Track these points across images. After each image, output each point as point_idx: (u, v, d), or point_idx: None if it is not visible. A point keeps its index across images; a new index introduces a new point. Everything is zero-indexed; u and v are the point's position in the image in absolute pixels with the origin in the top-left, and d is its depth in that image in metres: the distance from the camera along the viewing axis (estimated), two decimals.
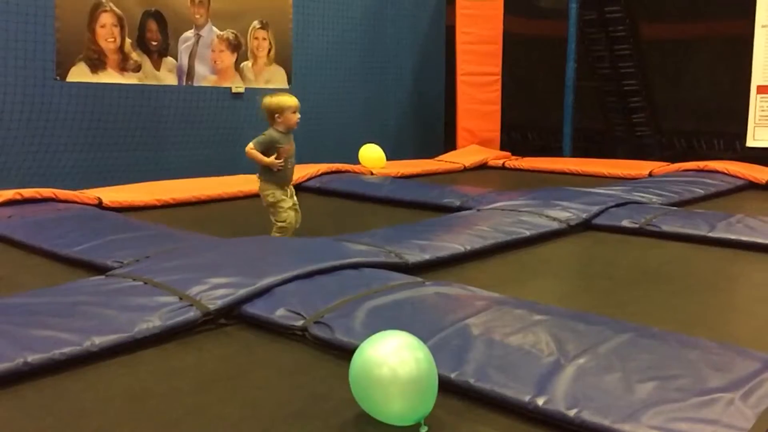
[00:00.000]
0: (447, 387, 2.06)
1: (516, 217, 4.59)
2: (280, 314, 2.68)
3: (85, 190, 5.66)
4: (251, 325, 2.73)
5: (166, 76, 7.07)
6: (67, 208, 5.06)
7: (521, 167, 8.66)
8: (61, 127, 6.31)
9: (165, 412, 2.02)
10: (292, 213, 4.38)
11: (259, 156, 4.22)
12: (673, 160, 8.15)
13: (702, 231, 4.39)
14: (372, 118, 9.06)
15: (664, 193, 5.93)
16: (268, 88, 7.25)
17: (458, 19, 9.36)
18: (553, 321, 2.53)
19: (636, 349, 2.28)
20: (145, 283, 2.94)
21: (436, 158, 9.03)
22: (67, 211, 4.89)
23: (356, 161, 7.73)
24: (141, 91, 6.86)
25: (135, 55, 6.81)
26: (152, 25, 6.92)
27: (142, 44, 6.85)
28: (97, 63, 6.53)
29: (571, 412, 1.89)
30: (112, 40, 6.63)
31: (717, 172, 7.11)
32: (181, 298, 2.76)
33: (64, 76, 6.33)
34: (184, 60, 7.19)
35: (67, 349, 2.31)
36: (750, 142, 7.95)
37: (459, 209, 5.34)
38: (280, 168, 4.26)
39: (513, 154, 9.40)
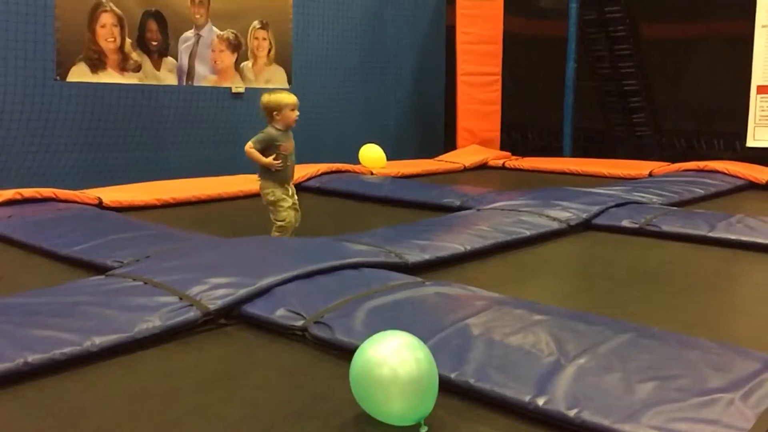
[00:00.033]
0: (447, 387, 2.06)
1: (516, 217, 4.59)
2: (280, 314, 2.68)
3: (85, 190, 5.66)
4: (251, 325, 2.73)
5: (166, 76, 7.07)
6: (67, 207, 5.06)
7: (521, 167, 8.66)
8: (61, 127, 6.31)
9: (165, 412, 2.02)
10: (291, 212, 4.38)
11: (258, 156, 4.22)
12: (673, 160, 8.16)
13: (702, 231, 4.39)
14: (372, 118, 9.06)
15: (664, 193, 5.93)
16: (268, 88, 7.23)
17: (458, 19, 9.36)
18: (553, 321, 2.53)
19: (636, 349, 2.28)
20: (145, 283, 2.94)
21: (436, 158, 9.03)
22: (67, 211, 4.89)
23: (356, 161, 7.74)
24: (141, 91, 6.86)
25: (135, 55, 6.81)
26: (152, 25, 6.92)
27: (142, 44, 6.86)
28: (97, 63, 6.54)
29: (572, 412, 1.89)
30: (112, 40, 6.63)
31: (717, 172, 7.11)
32: (181, 298, 2.76)
33: (64, 76, 6.33)
34: (184, 60, 7.19)
35: (67, 349, 2.31)
36: (750, 142, 7.96)
37: (459, 209, 5.34)
38: (279, 168, 4.26)
39: (513, 154, 9.40)
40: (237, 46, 7.58)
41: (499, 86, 9.60)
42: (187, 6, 7.15)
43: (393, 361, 1.84)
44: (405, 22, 9.47)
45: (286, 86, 4.35)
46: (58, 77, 6.29)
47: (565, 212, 4.76)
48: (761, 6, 7.74)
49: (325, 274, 3.10)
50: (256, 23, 7.70)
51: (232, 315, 2.78)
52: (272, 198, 4.34)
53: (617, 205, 5.09)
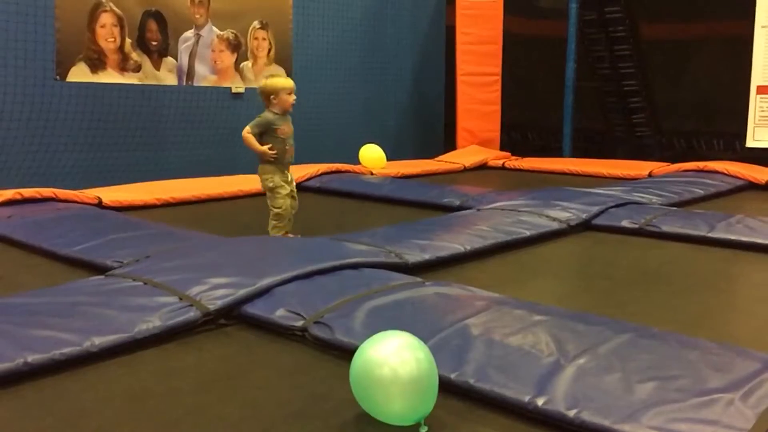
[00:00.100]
0: (447, 387, 2.06)
1: (516, 217, 4.59)
2: (280, 314, 2.68)
3: (84, 190, 5.66)
4: (251, 325, 2.73)
5: (166, 76, 7.07)
6: (67, 207, 5.06)
7: (521, 167, 8.66)
8: (61, 127, 6.31)
9: (165, 412, 2.02)
10: (288, 200, 4.41)
11: (254, 143, 4.27)
12: (673, 161, 8.16)
13: (702, 231, 4.40)
14: (372, 118, 9.07)
15: (663, 193, 5.93)
16: None
17: (458, 19, 9.36)
18: (553, 321, 2.53)
19: (636, 349, 2.28)
20: (145, 283, 2.94)
21: (436, 158, 9.03)
22: (66, 211, 4.89)
23: (356, 161, 7.74)
24: (141, 91, 6.86)
25: (135, 55, 6.81)
26: (152, 25, 6.92)
27: (142, 44, 6.86)
28: (97, 63, 6.54)
29: (571, 413, 1.89)
30: (112, 40, 6.63)
31: (717, 172, 7.11)
32: (181, 299, 2.76)
33: (64, 76, 6.33)
34: (184, 60, 7.19)
35: (67, 350, 2.31)
36: (750, 143, 7.96)
37: (459, 209, 5.35)
38: (274, 157, 4.29)
39: (513, 155, 9.41)
40: (237, 46, 7.58)
41: (498, 86, 9.60)
42: (187, 6, 7.15)
43: (393, 361, 1.84)
44: (405, 22, 9.47)
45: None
46: (58, 77, 6.29)
47: (565, 212, 4.76)
48: (761, 6, 7.74)
49: (325, 275, 3.10)
50: (256, 23, 7.70)
51: (232, 315, 2.78)
52: (270, 184, 4.36)
53: (617, 206, 5.09)
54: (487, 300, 2.79)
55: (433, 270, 3.58)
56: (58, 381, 2.21)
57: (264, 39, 7.79)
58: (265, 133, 4.30)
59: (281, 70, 7.96)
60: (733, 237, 4.28)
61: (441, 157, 9.07)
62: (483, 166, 8.86)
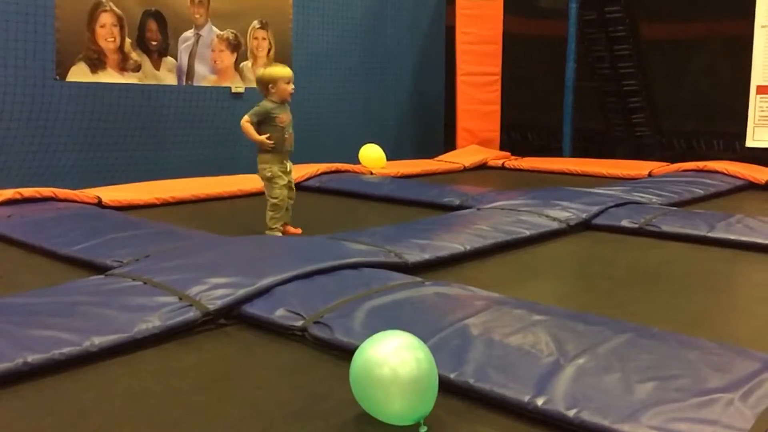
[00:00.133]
0: (447, 387, 2.06)
1: (516, 216, 4.59)
2: (279, 314, 2.68)
3: (84, 190, 5.66)
4: (251, 325, 2.73)
5: (166, 76, 7.07)
6: (67, 207, 5.06)
7: (521, 167, 8.66)
8: (60, 126, 6.31)
9: (165, 412, 2.02)
10: (285, 191, 4.42)
11: (252, 132, 4.30)
12: (673, 161, 8.16)
13: (701, 231, 4.40)
14: (372, 118, 9.07)
15: (663, 193, 5.93)
16: None
17: (458, 19, 9.36)
18: (552, 321, 2.53)
19: (635, 349, 2.28)
20: (145, 283, 2.94)
21: (436, 158, 9.04)
22: (66, 210, 4.89)
23: (356, 161, 7.74)
24: (141, 91, 6.86)
25: (135, 55, 6.81)
26: (152, 25, 6.92)
27: (141, 44, 6.86)
28: (96, 63, 6.53)
29: (571, 413, 1.89)
30: (112, 39, 6.63)
31: (716, 172, 7.12)
32: (180, 298, 2.76)
33: (63, 75, 6.33)
34: (184, 60, 7.19)
35: (66, 349, 2.31)
36: (749, 143, 7.96)
37: (459, 208, 5.35)
38: (272, 146, 4.30)
39: (513, 154, 9.41)
40: (237, 46, 7.58)
41: (498, 86, 9.60)
42: (186, 6, 7.15)
43: (393, 360, 1.84)
44: (405, 22, 9.47)
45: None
46: (57, 77, 6.29)
47: (564, 212, 4.76)
48: (761, 6, 7.74)
49: (325, 274, 3.10)
50: (255, 23, 7.70)
51: (231, 315, 2.78)
52: (268, 174, 4.38)
53: (617, 205, 5.10)
54: (487, 300, 2.79)
55: (432, 270, 3.58)
56: (57, 381, 2.21)
57: (264, 39, 7.80)
58: (263, 122, 4.33)
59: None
60: (732, 237, 4.28)
61: (441, 157, 9.07)
62: (483, 166, 8.86)
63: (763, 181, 6.89)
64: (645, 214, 4.81)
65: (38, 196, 5.20)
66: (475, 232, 4.15)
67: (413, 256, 3.59)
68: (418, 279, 3.14)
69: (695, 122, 9.64)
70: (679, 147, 9.83)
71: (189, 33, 7.20)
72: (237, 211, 5.61)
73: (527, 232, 4.30)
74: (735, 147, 8.64)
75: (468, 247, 3.87)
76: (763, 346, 2.41)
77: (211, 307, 2.71)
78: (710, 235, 4.34)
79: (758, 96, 7.81)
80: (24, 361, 2.21)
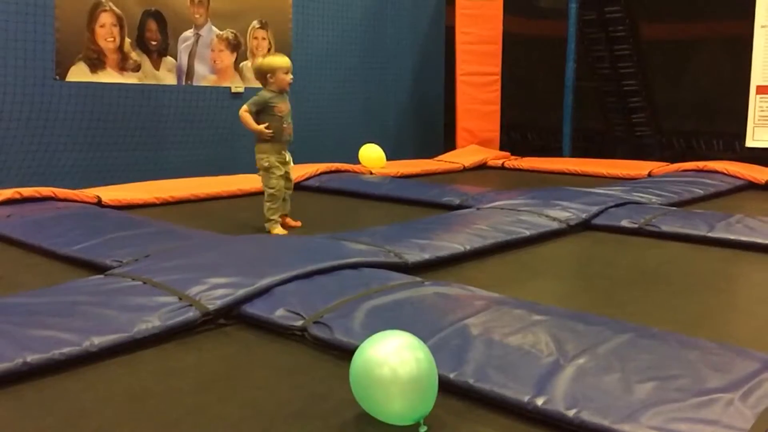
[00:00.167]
0: (447, 387, 2.06)
1: (515, 216, 4.59)
2: (279, 314, 2.68)
3: (84, 189, 5.66)
4: (251, 325, 2.73)
5: (166, 76, 7.07)
6: (67, 206, 5.06)
7: (521, 167, 8.66)
8: (60, 126, 6.31)
9: (165, 412, 2.02)
10: (281, 181, 4.43)
11: (251, 122, 4.31)
12: (673, 161, 8.16)
13: (701, 231, 4.40)
14: (372, 118, 9.07)
15: (663, 193, 5.93)
16: None
17: (458, 19, 9.36)
18: (552, 321, 2.53)
19: (635, 349, 2.28)
20: (145, 282, 2.94)
21: (436, 158, 9.04)
22: (66, 210, 4.89)
23: (356, 161, 7.74)
24: (140, 91, 6.86)
25: (134, 55, 6.81)
26: (152, 25, 6.92)
27: (141, 44, 6.85)
28: (96, 62, 6.53)
29: (571, 413, 1.89)
30: (112, 39, 6.63)
31: (716, 172, 7.11)
32: (180, 298, 2.76)
33: (63, 75, 6.33)
34: (184, 60, 7.19)
35: (66, 349, 2.31)
36: (749, 143, 7.96)
37: (458, 208, 5.35)
38: (270, 137, 4.31)
39: (512, 154, 9.41)
40: (236, 46, 7.58)
41: (498, 86, 9.60)
42: (186, 6, 7.15)
43: (393, 360, 1.84)
44: (405, 22, 9.47)
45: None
46: (57, 77, 6.29)
47: (564, 212, 4.76)
48: (761, 6, 7.74)
49: (325, 274, 3.10)
50: (255, 23, 7.70)
51: (231, 315, 2.78)
52: (266, 164, 4.40)
53: (617, 205, 5.10)
54: (487, 300, 2.79)
55: (432, 269, 3.58)
56: (57, 381, 2.21)
57: (264, 39, 7.79)
58: (261, 112, 4.34)
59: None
60: (732, 237, 4.28)
61: (441, 157, 9.07)
62: (483, 166, 8.86)
63: (763, 181, 6.89)
64: (645, 214, 4.81)
65: (38, 195, 5.20)
66: (474, 232, 4.15)
67: (413, 256, 3.59)
68: (418, 279, 3.14)
69: (695, 122, 9.65)
70: (679, 147, 9.83)
71: (189, 33, 7.20)
72: (237, 210, 5.60)
73: (527, 232, 4.30)
74: (735, 147, 8.64)
75: (468, 247, 3.87)
76: (763, 346, 2.41)
77: (211, 307, 2.71)
78: (710, 235, 4.34)
79: (758, 96, 7.81)
80: (24, 361, 2.20)
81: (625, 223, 4.67)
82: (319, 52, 8.34)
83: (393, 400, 1.83)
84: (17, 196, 5.12)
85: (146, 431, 1.91)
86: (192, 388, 2.19)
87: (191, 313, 2.66)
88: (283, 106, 4.39)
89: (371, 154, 7.79)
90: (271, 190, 4.41)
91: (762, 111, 7.80)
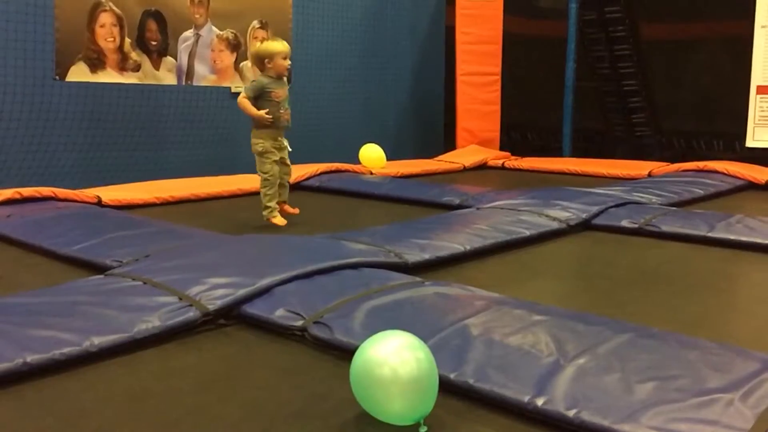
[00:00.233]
0: (447, 387, 2.06)
1: (516, 216, 4.59)
2: (279, 314, 2.68)
3: (84, 189, 5.66)
4: (251, 325, 2.73)
5: (166, 76, 7.07)
6: (67, 206, 5.06)
7: (521, 167, 8.66)
8: (60, 126, 6.31)
9: (165, 412, 2.02)
10: (276, 167, 4.43)
11: (250, 108, 4.31)
12: (673, 161, 8.16)
13: (701, 231, 4.40)
14: (372, 118, 9.07)
15: (663, 193, 5.93)
16: None
17: (458, 19, 9.36)
18: (552, 321, 2.53)
19: (635, 349, 2.28)
20: (145, 283, 2.94)
21: (436, 158, 9.04)
22: (66, 210, 4.89)
23: (356, 161, 7.74)
24: (140, 91, 6.86)
25: (134, 55, 6.81)
26: (152, 25, 6.92)
27: (141, 44, 6.85)
28: (96, 63, 6.53)
29: (571, 413, 1.89)
30: (112, 39, 6.63)
31: (716, 172, 7.11)
32: (180, 298, 2.76)
33: (63, 75, 6.33)
34: (184, 60, 7.19)
35: (66, 349, 2.31)
36: (749, 143, 7.96)
37: (458, 208, 5.35)
38: (270, 122, 4.31)
39: (513, 154, 9.40)
40: (236, 46, 7.58)
41: (498, 86, 9.60)
42: (186, 6, 7.15)
43: (393, 360, 1.84)
44: (405, 22, 9.47)
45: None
46: (57, 77, 6.29)
47: (564, 212, 4.76)
48: (761, 6, 7.74)
49: (325, 274, 3.10)
50: (255, 23, 7.70)
51: (231, 315, 2.78)
52: (260, 149, 4.41)
53: (617, 205, 5.09)
54: (487, 300, 2.79)
55: (432, 269, 3.58)
56: (57, 381, 2.21)
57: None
58: (259, 97, 4.34)
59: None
60: (732, 237, 4.28)
61: (441, 157, 9.07)
62: (483, 166, 8.86)
63: (763, 181, 6.89)
64: (645, 214, 4.81)
65: (38, 195, 5.20)
66: (475, 232, 4.15)
67: (413, 256, 3.59)
68: (418, 279, 3.14)
69: (695, 122, 9.64)
70: (679, 147, 9.83)
71: (189, 33, 7.20)
72: (237, 210, 5.60)
73: (527, 232, 4.30)
74: (735, 147, 8.64)
75: (468, 247, 3.87)
76: (763, 346, 2.41)
77: (211, 307, 2.71)
78: (710, 235, 4.34)
79: (758, 96, 7.81)
80: (24, 361, 2.20)
81: (625, 223, 4.67)
82: (319, 52, 8.34)
83: (393, 400, 1.83)
84: (17, 196, 5.11)
85: (146, 431, 1.91)
86: (192, 388, 2.19)
87: (191, 313, 2.66)
88: (281, 92, 4.39)
89: (371, 154, 7.79)
90: (266, 175, 4.41)
91: (762, 111, 7.80)
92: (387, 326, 2.17)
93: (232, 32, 7.52)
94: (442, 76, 10.00)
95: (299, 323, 2.60)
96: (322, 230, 4.33)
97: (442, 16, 9.94)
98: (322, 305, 2.70)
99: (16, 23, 5.99)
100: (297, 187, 6.35)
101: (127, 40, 6.74)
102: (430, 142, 9.86)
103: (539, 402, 1.95)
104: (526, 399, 1.97)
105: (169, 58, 7.07)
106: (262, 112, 4.32)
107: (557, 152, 9.43)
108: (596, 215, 4.84)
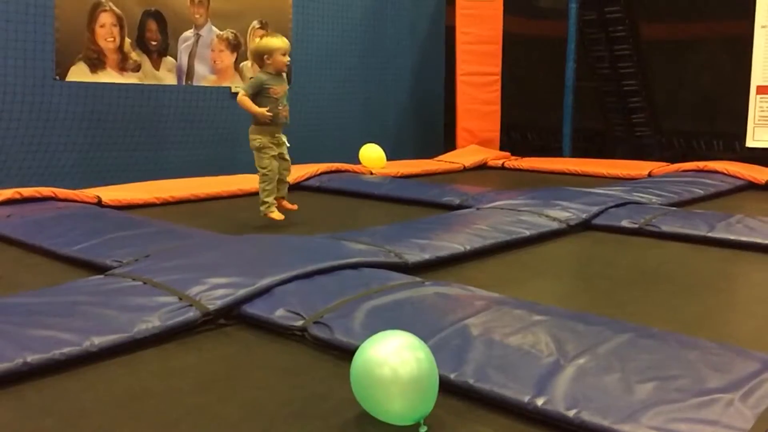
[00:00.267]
0: (447, 387, 2.06)
1: (516, 216, 4.59)
2: (279, 314, 2.68)
3: (84, 189, 5.66)
4: (251, 325, 2.73)
5: (166, 76, 7.07)
6: (67, 206, 5.06)
7: (521, 167, 8.66)
8: (60, 126, 6.30)
9: (165, 412, 2.02)
10: (275, 162, 4.43)
11: (250, 105, 4.31)
12: (673, 161, 8.16)
13: (701, 231, 4.40)
14: (372, 118, 9.07)
15: (663, 193, 5.93)
16: None
17: (458, 19, 9.36)
18: (552, 321, 2.53)
19: (635, 349, 2.28)
20: (145, 283, 2.94)
21: (436, 158, 9.04)
22: (66, 210, 4.89)
23: (356, 161, 7.74)
24: (140, 91, 6.86)
25: (134, 55, 6.81)
26: (152, 25, 6.92)
27: (141, 44, 6.85)
28: (96, 63, 6.53)
29: (571, 413, 1.89)
30: (112, 39, 6.63)
31: (716, 172, 7.11)
32: (180, 298, 2.76)
33: (63, 75, 6.33)
34: (184, 60, 7.19)
35: (66, 349, 2.31)
36: (749, 143, 7.96)
37: (458, 208, 5.35)
38: (270, 120, 4.31)
39: (513, 155, 9.40)
40: (236, 46, 7.58)
41: (498, 86, 9.60)
42: (186, 6, 7.15)
43: (394, 360, 1.84)
44: (405, 22, 9.47)
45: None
46: (57, 77, 6.29)
47: (564, 212, 4.76)
48: (761, 6, 7.74)
49: (325, 274, 3.10)
50: (255, 23, 7.70)
51: (231, 315, 2.78)
52: (257, 144, 4.41)
53: (617, 206, 5.09)
54: (487, 300, 2.79)
55: (432, 270, 3.58)
56: (57, 381, 2.21)
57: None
58: (258, 94, 4.34)
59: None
60: (732, 237, 4.28)
61: (441, 157, 9.07)
62: (483, 166, 8.86)
63: (763, 181, 6.89)
64: (645, 214, 4.81)
65: (38, 195, 5.20)
66: (475, 232, 4.15)
67: (413, 256, 3.59)
68: (418, 279, 3.14)
69: (695, 122, 9.65)
70: (679, 147, 9.83)
71: (189, 33, 7.20)
72: (237, 210, 5.60)
73: (527, 232, 4.30)
74: (735, 147, 8.64)
75: (468, 247, 3.88)
76: (763, 346, 2.41)
77: (211, 307, 2.71)
78: (710, 235, 4.34)
79: (758, 96, 7.81)
80: (24, 361, 2.20)
81: (625, 223, 4.67)
82: (319, 52, 8.34)
83: (393, 400, 1.83)
84: (17, 196, 5.11)
85: (146, 431, 1.91)
86: (192, 388, 2.19)
87: (191, 313, 2.66)
88: (279, 88, 4.39)
89: (371, 154, 7.79)
90: (264, 170, 4.41)
91: (762, 111, 7.80)
92: (387, 326, 2.17)
93: (232, 32, 7.52)
94: (442, 76, 10.00)
95: (299, 323, 2.60)
96: (322, 230, 4.33)
97: (442, 16, 9.94)
98: (322, 305, 2.70)
99: (16, 23, 5.99)
100: (297, 187, 6.35)
101: (127, 40, 6.74)
102: (430, 142, 9.86)
103: (539, 402, 1.95)
104: (526, 399, 1.97)
105: (169, 58, 7.07)
106: (263, 110, 4.32)
107: (557, 152, 9.43)
108: (596, 215, 4.84)
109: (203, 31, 7.31)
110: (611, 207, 5.03)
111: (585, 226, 4.74)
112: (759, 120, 7.84)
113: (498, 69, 9.55)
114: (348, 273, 3.16)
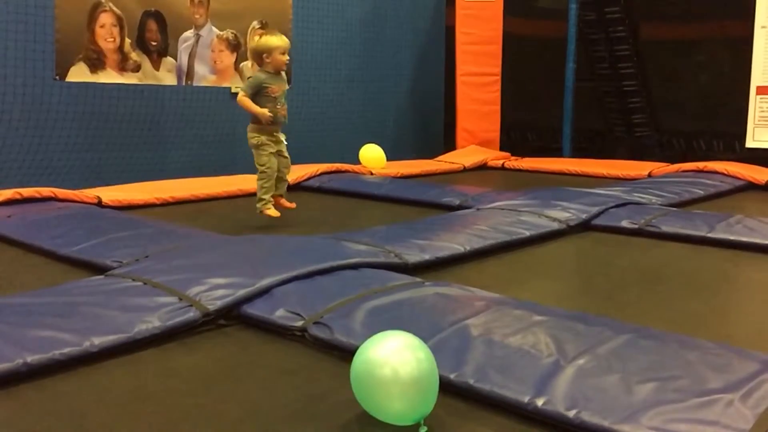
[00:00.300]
0: (447, 387, 2.06)
1: (515, 217, 4.59)
2: (279, 315, 2.68)
3: (84, 190, 5.66)
4: (251, 325, 2.73)
5: (166, 76, 7.07)
6: (67, 207, 5.06)
7: (521, 167, 8.67)
8: (60, 126, 6.30)
9: (165, 412, 2.02)
10: (274, 159, 4.43)
11: (250, 105, 4.32)
12: (673, 161, 8.16)
13: (701, 232, 4.40)
14: (372, 118, 9.07)
15: (663, 193, 5.93)
16: None
17: (458, 19, 9.36)
18: (552, 322, 2.53)
19: (635, 349, 2.28)
20: (145, 283, 2.94)
21: (436, 158, 9.04)
22: (66, 210, 4.89)
23: (356, 161, 7.74)
24: (140, 91, 6.86)
25: (134, 55, 6.81)
26: (152, 25, 6.92)
27: (141, 44, 6.86)
28: (96, 63, 6.53)
29: (571, 413, 1.89)
30: (112, 39, 6.63)
31: (716, 172, 7.11)
32: (180, 299, 2.76)
33: (63, 75, 6.33)
34: (184, 60, 7.19)
35: (66, 350, 2.31)
36: (749, 143, 7.96)
37: (458, 208, 5.35)
38: (270, 121, 4.31)
39: (513, 155, 9.40)
40: (236, 46, 7.58)
41: (498, 87, 9.60)
42: (186, 6, 7.15)
43: (394, 360, 1.84)
44: (405, 22, 9.47)
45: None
46: (57, 77, 6.29)
47: (564, 212, 4.76)
48: (761, 6, 7.74)
49: (325, 275, 3.10)
50: (255, 23, 7.70)
51: (231, 315, 2.78)
52: (255, 142, 4.42)
53: (617, 206, 5.09)
54: (487, 300, 2.79)
55: (432, 270, 3.58)
56: (57, 381, 2.21)
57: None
58: (257, 93, 4.33)
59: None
60: (732, 237, 4.28)
61: (441, 158, 9.07)
62: (483, 167, 8.86)
63: (763, 182, 6.89)
64: (645, 215, 4.81)
65: (38, 196, 5.20)
66: (475, 233, 4.15)
67: (413, 257, 3.59)
68: (418, 279, 3.14)
69: (695, 122, 9.64)
70: (679, 147, 9.83)
71: (189, 33, 7.20)
72: (237, 210, 5.60)
73: (527, 233, 4.30)
74: (735, 147, 8.64)
75: (468, 248, 3.87)
76: (762, 347, 2.41)
77: (211, 307, 2.71)
78: (710, 235, 4.34)
79: (758, 96, 7.81)
80: (24, 361, 2.20)
81: (625, 223, 4.67)
82: (319, 53, 8.34)
83: (394, 400, 1.83)
84: (17, 196, 5.12)
85: (146, 431, 1.91)
86: (192, 388, 2.19)
87: (191, 314, 2.66)
88: (277, 87, 4.38)
89: (372, 155, 7.79)
90: (262, 167, 4.41)
91: (762, 111, 7.80)
92: (387, 326, 2.17)
93: (232, 32, 7.52)
94: (442, 77, 10.01)
95: (299, 323, 2.60)
96: (322, 230, 4.33)
97: (442, 16, 9.94)
98: (322, 305, 2.70)
99: (16, 23, 5.99)
100: (297, 187, 6.35)
101: (127, 41, 6.74)
102: (430, 142, 9.86)
103: (539, 402, 1.95)
104: (526, 399, 1.97)
105: (169, 59, 7.07)
106: (264, 110, 4.31)
107: (557, 153, 9.43)
108: (596, 216, 4.84)
109: (203, 32, 7.31)
110: (611, 207, 5.03)
111: (585, 226, 4.74)
112: (759, 120, 7.84)
113: (498, 69, 9.55)
114: (348, 273, 3.16)
